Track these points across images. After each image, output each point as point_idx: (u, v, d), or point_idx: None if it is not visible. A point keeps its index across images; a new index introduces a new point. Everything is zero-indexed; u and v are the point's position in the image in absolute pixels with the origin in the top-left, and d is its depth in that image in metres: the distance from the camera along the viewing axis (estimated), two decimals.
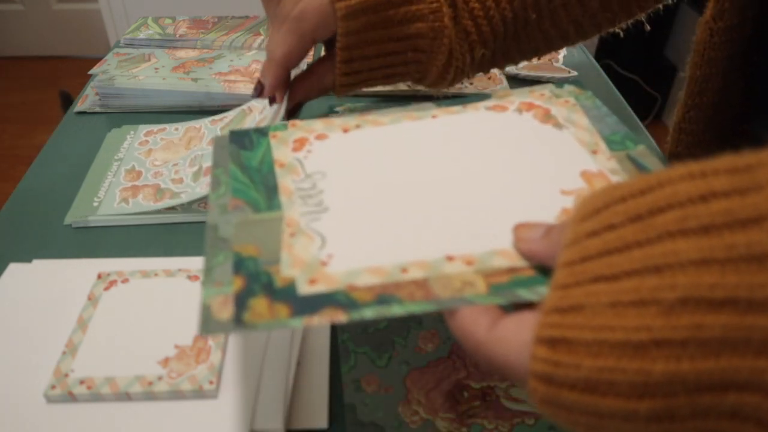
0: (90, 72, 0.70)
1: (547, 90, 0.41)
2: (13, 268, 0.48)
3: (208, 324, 0.25)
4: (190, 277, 0.46)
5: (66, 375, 0.39)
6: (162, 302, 0.44)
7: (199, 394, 0.38)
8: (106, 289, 0.45)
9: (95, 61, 0.73)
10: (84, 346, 0.41)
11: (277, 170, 0.35)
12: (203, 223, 0.53)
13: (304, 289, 0.27)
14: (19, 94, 2.28)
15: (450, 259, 0.29)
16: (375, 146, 0.37)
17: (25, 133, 2.08)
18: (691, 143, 0.50)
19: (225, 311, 0.25)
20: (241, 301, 0.26)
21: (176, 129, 0.65)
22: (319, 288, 0.27)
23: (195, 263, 0.49)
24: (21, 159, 1.95)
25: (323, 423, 0.38)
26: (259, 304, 0.26)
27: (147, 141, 0.63)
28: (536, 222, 0.28)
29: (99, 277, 0.46)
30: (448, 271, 0.28)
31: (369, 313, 0.26)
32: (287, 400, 0.38)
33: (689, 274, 0.19)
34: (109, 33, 2.00)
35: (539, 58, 0.53)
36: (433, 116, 0.39)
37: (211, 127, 0.64)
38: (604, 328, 0.20)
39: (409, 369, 0.41)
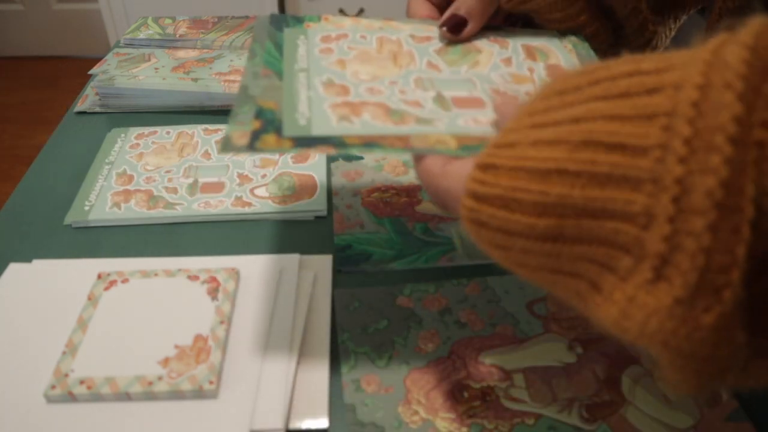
0: (90, 72, 0.70)
1: (553, 35, 0.46)
2: (13, 268, 0.48)
3: (227, 146, 0.32)
4: (190, 277, 0.46)
5: (66, 375, 0.39)
6: (162, 302, 0.44)
7: (199, 394, 0.38)
8: (106, 289, 0.45)
9: (95, 61, 0.73)
10: (84, 346, 0.41)
11: (301, 53, 0.41)
12: (203, 223, 0.54)
13: (307, 131, 0.34)
14: (19, 94, 2.27)
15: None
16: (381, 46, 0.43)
17: (25, 133, 2.08)
18: None
19: (242, 140, 0.32)
20: (255, 135, 0.33)
21: (168, 132, 0.65)
22: (320, 132, 0.34)
23: (195, 263, 0.49)
24: (21, 159, 1.95)
25: (323, 423, 0.38)
26: (270, 138, 0.33)
27: (138, 144, 0.63)
28: (515, 96, 0.38)
29: (99, 277, 0.46)
30: (428, 132, 0.34)
31: (354, 151, 0.33)
32: (287, 400, 0.38)
33: (598, 124, 0.23)
34: (109, 33, 2.00)
35: None
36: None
37: (204, 137, 0.64)
38: (523, 158, 0.25)
39: (409, 369, 0.41)
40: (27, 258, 0.49)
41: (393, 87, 0.38)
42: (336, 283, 0.48)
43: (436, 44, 0.44)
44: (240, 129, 0.33)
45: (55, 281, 0.47)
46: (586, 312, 0.25)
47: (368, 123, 0.35)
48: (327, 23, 0.44)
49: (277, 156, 0.61)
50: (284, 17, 0.44)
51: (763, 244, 0.19)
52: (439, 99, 0.38)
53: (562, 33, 0.46)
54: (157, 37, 0.77)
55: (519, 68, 0.42)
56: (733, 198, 0.19)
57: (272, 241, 0.52)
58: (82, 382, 0.38)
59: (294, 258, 0.49)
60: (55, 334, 0.42)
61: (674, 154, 0.20)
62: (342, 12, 1.96)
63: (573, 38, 0.46)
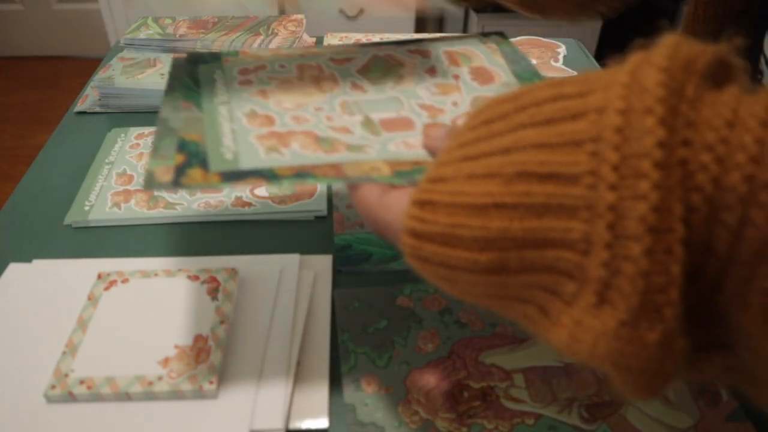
0: (94, 78, 0.70)
1: (474, 38, 0.46)
2: (13, 268, 0.48)
3: (151, 183, 0.31)
4: (190, 277, 0.46)
5: (66, 375, 0.39)
6: (162, 302, 0.44)
7: (199, 394, 0.38)
8: (106, 289, 0.45)
9: (95, 61, 0.73)
10: (84, 346, 0.41)
11: (220, 86, 0.41)
12: (204, 223, 0.54)
13: (235, 166, 0.33)
14: (19, 94, 2.27)
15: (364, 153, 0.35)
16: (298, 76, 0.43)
17: (25, 133, 2.08)
18: None
19: (166, 176, 0.31)
20: (180, 170, 0.32)
21: None
22: (249, 165, 0.33)
23: (195, 263, 0.49)
24: (21, 159, 1.95)
25: (323, 423, 0.38)
26: (195, 173, 0.32)
27: (138, 144, 0.63)
28: (443, 123, 0.36)
29: (99, 277, 0.46)
30: (360, 159, 0.34)
31: (286, 183, 0.32)
32: (287, 400, 0.38)
33: (528, 154, 0.23)
34: (109, 33, 2.00)
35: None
36: (371, 51, 0.45)
37: None
38: (459, 193, 0.25)
39: (409, 369, 0.41)
40: (27, 258, 0.49)
41: (319, 113, 0.38)
42: (336, 283, 0.48)
43: (357, 64, 0.43)
44: (163, 164, 0.32)
45: (55, 281, 0.47)
46: (538, 335, 0.25)
47: (298, 153, 0.34)
48: (245, 57, 0.44)
49: None
50: (201, 55, 0.44)
51: (693, 256, 0.20)
52: (368, 123, 0.37)
53: (484, 35, 0.46)
54: (157, 37, 0.77)
55: (444, 76, 0.42)
56: (664, 221, 0.20)
57: (272, 241, 0.52)
58: (82, 382, 0.38)
59: (294, 258, 0.49)
60: (55, 334, 0.42)
61: (604, 182, 0.21)
62: (342, 12, 1.96)
63: (496, 37, 0.46)
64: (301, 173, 0.32)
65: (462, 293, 0.27)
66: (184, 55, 0.43)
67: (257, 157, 0.33)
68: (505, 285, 0.24)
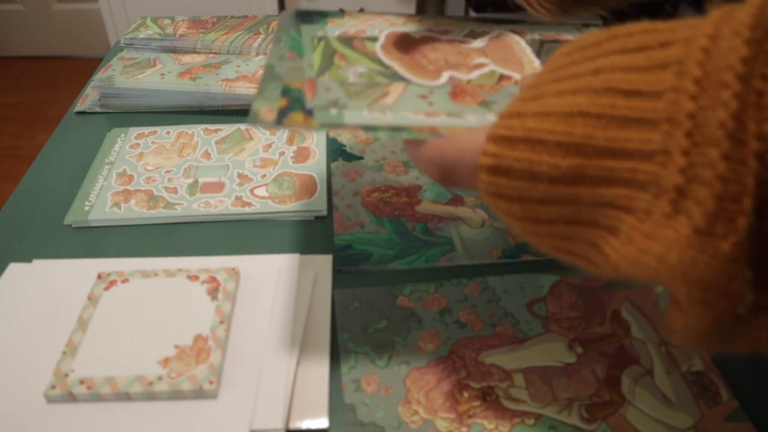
0: (94, 78, 0.70)
1: (572, 26, 0.46)
2: (13, 268, 0.48)
3: (255, 119, 0.32)
4: (190, 277, 0.46)
5: (66, 375, 0.39)
6: (162, 302, 0.44)
7: (199, 394, 0.38)
8: (106, 289, 0.45)
9: (95, 61, 0.73)
10: (84, 346, 0.41)
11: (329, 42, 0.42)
12: (203, 223, 0.54)
13: (339, 119, 0.34)
14: (19, 94, 2.27)
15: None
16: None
17: (25, 133, 2.08)
18: None
19: (270, 115, 0.33)
20: (282, 112, 0.33)
21: (168, 132, 0.65)
22: (352, 120, 0.34)
23: (195, 263, 0.49)
24: (21, 159, 1.95)
25: (323, 423, 0.38)
26: (297, 116, 0.33)
27: (138, 144, 0.63)
28: None
29: (99, 277, 0.46)
30: (457, 123, 0.34)
31: (382, 134, 0.33)
32: (287, 400, 0.38)
33: (617, 74, 0.24)
34: (109, 33, 2.00)
35: None
36: (471, 30, 0.45)
37: (204, 137, 0.64)
38: (548, 104, 0.26)
39: (409, 369, 0.41)
40: (27, 258, 0.49)
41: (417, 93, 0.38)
42: (336, 283, 0.48)
43: (456, 35, 0.43)
44: (267, 105, 0.34)
45: (55, 281, 0.47)
46: (598, 264, 0.26)
47: (400, 114, 0.35)
48: (350, 18, 0.45)
49: (277, 156, 0.61)
50: (308, 13, 0.45)
51: (763, 190, 0.21)
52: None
53: (584, 24, 0.46)
54: (157, 37, 0.77)
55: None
56: (741, 131, 0.21)
57: (272, 241, 0.52)
58: (82, 382, 0.38)
59: (294, 258, 0.49)
60: (55, 334, 0.42)
61: (686, 93, 0.22)
62: (342, 12, 1.96)
63: (595, 28, 0.46)
64: (397, 129, 0.33)
65: (529, 219, 0.27)
66: (292, 11, 0.44)
67: (357, 115, 0.34)
68: (578, 200, 0.25)
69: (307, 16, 0.44)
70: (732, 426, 0.38)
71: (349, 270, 0.49)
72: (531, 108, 0.27)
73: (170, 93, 0.69)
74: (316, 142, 0.63)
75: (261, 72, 0.71)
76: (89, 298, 0.44)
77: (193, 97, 0.69)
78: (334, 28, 0.43)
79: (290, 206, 0.55)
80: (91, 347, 0.41)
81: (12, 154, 1.98)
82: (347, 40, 0.41)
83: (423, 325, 0.44)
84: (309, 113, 0.34)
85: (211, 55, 0.76)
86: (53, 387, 0.38)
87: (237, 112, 0.70)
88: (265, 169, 0.59)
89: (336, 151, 0.63)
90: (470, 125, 0.34)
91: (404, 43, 0.42)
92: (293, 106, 0.34)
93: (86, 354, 0.40)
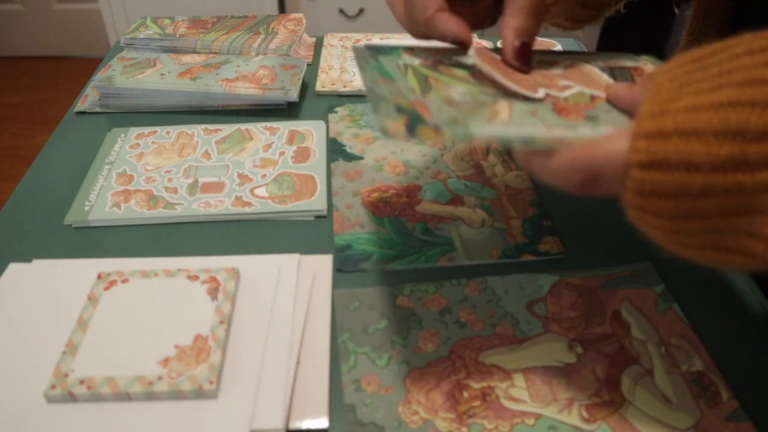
0: (94, 78, 0.70)
1: (625, 57, 0.45)
2: (13, 268, 0.48)
3: (386, 133, 0.32)
4: (190, 277, 0.46)
5: (66, 375, 0.39)
6: (162, 302, 0.44)
7: (199, 394, 0.38)
8: (106, 289, 0.45)
9: (95, 61, 0.73)
10: (84, 346, 0.41)
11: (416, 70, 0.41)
12: (203, 223, 0.54)
13: (467, 131, 0.33)
14: (19, 94, 2.27)
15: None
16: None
17: (25, 133, 2.08)
18: None
19: (398, 129, 0.32)
20: (410, 128, 0.32)
21: (168, 132, 0.65)
22: (480, 132, 0.33)
23: (195, 263, 0.49)
24: (21, 159, 1.95)
25: (323, 423, 0.38)
26: (426, 129, 0.32)
27: (138, 144, 0.63)
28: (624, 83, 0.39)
29: (99, 277, 0.46)
30: (578, 135, 0.33)
31: (516, 143, 0.33)
32: (287, 400, 0.38)
33: (755, 70, 0.25)
34: (109, 33, 2.00)
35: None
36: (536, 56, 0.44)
37: (204, 137, 0.64)
38: (693, 101, 0.26)
39: (409, 369, 0.41)
40: (27, 258, 0.49)
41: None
42: (336, 283, 0.48)
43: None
44: (390, 120, 0.33)
45: (55, 281, 0.47)
46: (756, 255, 0.26)
47: (522, 128, 0.34)
48: (420, 51, 0.44)
49: (277, 156, 0.61)
50: (379, 46, 0.44)
51: None
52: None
53: (636, 53, 0.46)
54: (157, 37, 0.77)
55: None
56: None
57: (272, 241, 0.52)
58: (82, 382, 0.38)
59: (294, 258, 0.49)
60: (55, 334, 0.42)
61: None
62: (342, 12, 1.96)
63: (648, 57, 0.46)
64: (527, 139, 0.33)
65: (684, 216, 0.27)
66: (362, 46, 0.44)
67: (483, 127, 0.34)
68: (740, 189, 0.25)
69: (380, 49, 0.43)
70: (732, 426, 0.38)
71: (349, 270, 0.49)
72: (675, 105, 0.27)
73: (170, 93, 0.69)
74: (316, 142, 0.63)
75: (261, 72, 0.71)
76: (89, 298, 0.44)
77: (193, 97, 0.69)
78: (411, 59, 0.42)
79: (290, 206, 0.55)
80: (91, 347, 0.41)
81: (12, 154, 1.98)
82: (432, 67, 0.41)
83: (423, 325, 0.44)
84: (437, 128, 0.33)
85: (211, 55, 0.76)
86: (53, 387, 0.38)
87: (237, 112, 0.70)
88: (265, 169, 0.59)
89: (336, 151, 0.63)
90: (594, 136, 0.33)
91: (495, 59, 0.42)
92: (416, 122, 0.33)
93: (86, 354, 0.40)
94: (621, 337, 0.43)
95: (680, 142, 0.26)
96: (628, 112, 0.35)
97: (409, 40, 0.45)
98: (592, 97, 0.39)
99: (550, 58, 0.44)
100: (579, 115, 0.36)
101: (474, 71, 0.41)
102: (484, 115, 0.35)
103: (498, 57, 0.42)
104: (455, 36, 0.41)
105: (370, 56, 0.42)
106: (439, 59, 0.42)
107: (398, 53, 0.43)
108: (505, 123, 0.35)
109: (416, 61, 0.42)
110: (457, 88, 0.38)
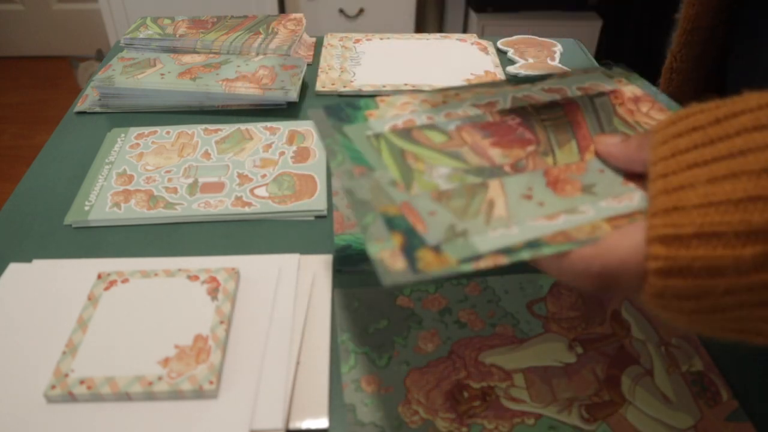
0: (94, 78, 0.70)
1: (598, 72, 0.44)
2: (13, 268, 0.48)
3: (387, 275, 0.28)
4: (190, 277, 0.46)
5: (66, 375, 0.39)
6: (162, 302, 0.44)
7: (199, 394, 0.38)
8: (106, 289, 0.45)
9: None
10: (84, 346, 0.41)
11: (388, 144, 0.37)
12: (203, 223, 0.54)
13: (472, 251, 0.30)
14: (19, 94, 2.27)
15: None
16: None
17: (25, 133, 2.08)
18: (681, 82, 0.55)
19: (398, 263, 0.29)
20: (409, 254, 0.29)
21: (168, 132, 0.65)
22: (485, 247, 0.31)
23: (195, 263, 0.49)
24: (21, 159, 1.95)
25: (323, 423, 0.38)
26: (427, 255, 0.29)
27: (138, 144, 0.63)
28: (614, 134, 0.36)
29: (99, 277, 0.46)
30: (581, 221, 0.32)
31: (525, 255, 0.30)
32: (287, 400, 0.38)
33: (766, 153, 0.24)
34: (109, 33, 2.00)
35: None
36: (513, 97, 0.42)
37: (204, 137, 0.64)
38: (706, 194, 0.25)
39: (409, 369, 0.41)
40: (27, 258, 0.49)
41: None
42: (336, 283, 0.48)
43: (501, 106, 0.40)
44: (384, 247, 0.29)
45: (55, 281, 0.47)
46: None
47: (526, 226, 0.32)
48: (383, 105, 0.40)
49: (277, 156, 0.61)
50: (339, 107, 0.40)
51: None
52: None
53: (606, 67, 0.45)
54: (157, 37, 0.77)
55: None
56: None
57: (272, 241, 0.52)
58: (82, 382, 0.38)
59: (294, 258, 0.49)
60: (55, 334, 0.42)
61: None
62: (342, 12, 1.96)
63: (620, 70, 0.44)
64: (534, 244, 0.30)
65: (705, 316, 0.26)
66: (319, 110, 0.40)
67: (486, 238, 0.31)
68: (766, 286, 0.24)
69: (340, 112, 0.39)
70: (732, 426, 0.38)
71: (349, 270, 0.49)
72: (690, 200, 0.25)
73: (170, 93, 0.69)
74: (316, 142, 0.63)
75: (261, 72, 0.71)
76: (89, 298, 0.44)
77: (193, 97, 0.69)
78: (378, 123, 0.39)
79: (290, 206, 0.55)
80: (91, 347, 0.41)
81: (12, 154, 1.98)
82: (405, 134, 0.38)
83: (423, 325, 0.44)
84: (437, 249, 0.30)
85: (211, 55, 0.76)
86: (53, 387, 0.38)
87: (237, 112, 0.70)
88: (265, 169, 0.59)
89: None
90: (592, 219, 0.32)
91: (477, 129, 0.39)
92: (413, 244, 0.30)
93: (86, 354, 0.40)
94: (621, 337, 0.43)
95: (701, 247, 0.25)
96: (624, 169, 0.34)
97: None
98: (580, 149, 0.37)
99: (522, 93, 0.41)
100: (575, 187, 0.34)
101: (450, 131, 0.38)
102: (479, 211, 0.32)
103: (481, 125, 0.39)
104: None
105: (333, 127, 0.38)
106: (408, 118, 0.39)
107: (362, 117, 0.39)
108: (504, 221, 0.32)
109: (385, 127, 0.38)
110: (440, 168, 0.35)
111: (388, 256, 0.29)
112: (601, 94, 0.41)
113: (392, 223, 0.31)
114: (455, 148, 0.37)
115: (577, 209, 0.33)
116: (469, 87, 0.42)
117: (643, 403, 0.39)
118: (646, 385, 0.40)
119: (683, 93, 0.56)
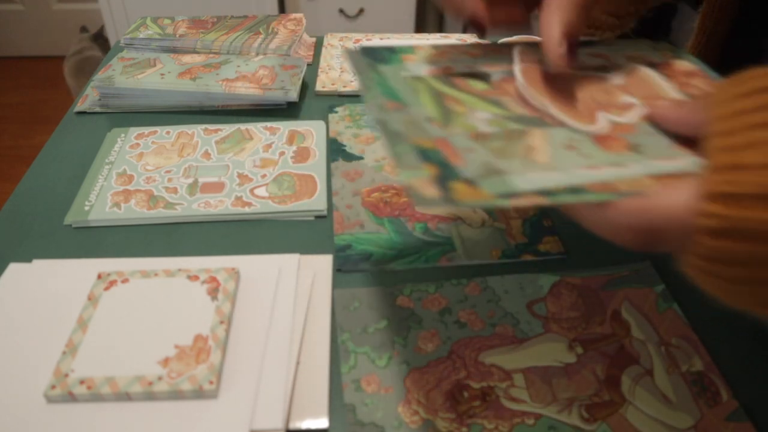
0: (94, 77, 0.70)
1: (645, 44, 0.43)
2: (13, 268, 0.48)
3: (419, 199, 0.27)
4: (190, 277, 0.46)
5: (66, 375, 0.39)
6: (162, 302, 0.44)
7: (199, 394, 0.38)
8: (106, 289, 0.45)
9: None
10: (84, 346, 0.41)
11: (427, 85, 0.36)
12: (203, 223, 0.54)
13: (510, 187, 0.29)
14: (19, 94, 2.27)
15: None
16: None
17: (25, 133, 2.08)
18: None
19: (429, 190, 0.28)
20: (442, 184, 0.28)
21: (168, 132, 0.65)
22: (525, 186, 0.29)
23: (195, 263, 0.49)
24: (21, 159, 1.95)
25: (323, 423, 0.38)
26: (461, 186, 0.28)
27: (138, 144, 0.63)
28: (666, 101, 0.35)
29: (99, 277, 0.46)
30: (626, 175, 0.30)
31: (566, 198, 0.29)
32: (287, 400, 0.38)
33: None
34: (109, 33, 2.00)
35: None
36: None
37: (204, 137, 0.64)
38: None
39: (409, 369, 0.41)
40: (27, 258, 0.49)
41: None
42: (336, 283, 0.48)
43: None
44: (416, 175, 0.29)
45: (55, 281, 0.47)
46: None
47: (569, 172, 0.31)
48: (422, 51, 0.40)
49: (277, 156, 0.61)
50: (375, 49, 0.39)
51: None
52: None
53: (655, 41, 0.44)
54: (157, 37, 0.77)
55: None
56: None
57: (272, 241, 0.52)
58: (82, 382, 0.38)
59: (294, 258, 0.49)
60: (55, 334, 0.42)
61: None
62: (342, 12, 1.96)
63: (666, 44, 0.43)
64: (576, 189, 0.29)
65: (751, 286, 0.25)
66: (355, 49, 0.39)
67: (525, 178, 0.30)
68: None
69: (376, 53, 0.39)
70: (732, 426, 0.38)
71: (349, 270, 0.49)
72: (751, 159, 0.24)
73: (170, 93, 0.69)
74: (316, 142, 0.63)
75: (261, 72, 0.71)
76: (89, 298, 0.44)
77: (193, 97, 0.69)
78: (416, 66, 0.38)
79: (290, 206, 0.55)
80: (91, 347, 0.41)
81: (12, 154, 1.98)
82: (445, 79, 0.37)
83: (423, 325, 0.44)
84: (472, 183, 0.28)
85: (211, 55, 0.76)
86: (53, 387, 0.38)
87: (237, 112, 0.70)
88: (265, 169, 0.59)
89: (336, 151, 0.63)
90: (638, 175, 0.30)
91: (543, 80, 0.37)
92: (447, 175, 0.29)
93: (86, 354, 0.40)
94: (621, 337, 0.43)
95: (758, 209, 0.23)
96: (676, 133, 0.32)
97: (407, 40, 0.43)
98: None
99: (590, 50, 0.40)
100: (621, 144, 0.33)
101: (493, 81, 0.37)
102: (519, 153, 0.31)
103: (538, 66, 0.38)
104: (471, 14, 0.37)
105: (367, 65, 0.38)
106: (447, 65, 0.38)
107: (398, 59, 0.39)
108: (546, 165, 0.30)
109: (423, 70, 0.37)
110: (480, 113, 0.34)
111: (418, 183, 0.28)
112: (652, 64, 0.40)
113: (426, 155, 0.30)
114: (497, 96, 0.36)
115: (623, 164, 0.31)
116: (511, 45, 0.41)
117: (643, 403, 0.39)
118: (646, 385, 0.40)
119: None
